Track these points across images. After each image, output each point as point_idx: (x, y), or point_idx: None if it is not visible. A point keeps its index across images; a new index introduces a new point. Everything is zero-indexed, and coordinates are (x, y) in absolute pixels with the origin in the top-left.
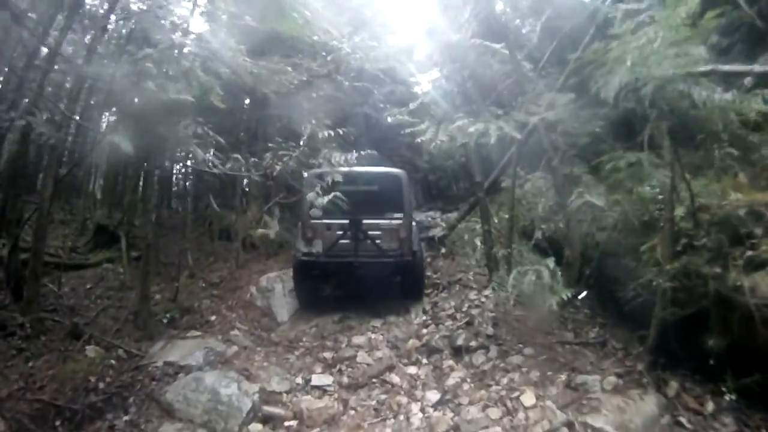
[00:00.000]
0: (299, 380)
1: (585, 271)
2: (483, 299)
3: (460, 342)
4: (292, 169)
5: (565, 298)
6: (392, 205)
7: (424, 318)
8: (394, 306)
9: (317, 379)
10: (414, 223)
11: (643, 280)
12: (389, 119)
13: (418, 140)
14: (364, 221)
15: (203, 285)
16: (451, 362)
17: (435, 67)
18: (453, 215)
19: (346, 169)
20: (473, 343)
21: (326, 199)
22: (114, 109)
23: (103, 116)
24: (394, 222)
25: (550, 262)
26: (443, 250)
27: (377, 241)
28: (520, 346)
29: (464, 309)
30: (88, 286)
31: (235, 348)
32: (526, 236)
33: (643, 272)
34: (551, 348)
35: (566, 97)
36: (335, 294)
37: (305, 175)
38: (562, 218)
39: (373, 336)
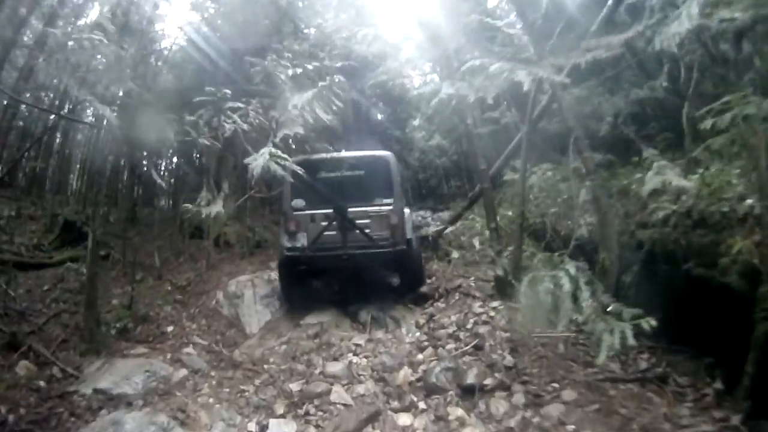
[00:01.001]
0: (252, 428)
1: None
2: (492, 313)
3: (470, 379)
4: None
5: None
6: (381, 189)
7: (419, 335)
8: (382, 316)
9: (276, 428)
10: (407, 209)
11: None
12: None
13: (408, 131)
14: (351, 209)
15: (169, 288)
16: (459, 411)
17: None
18: (445, 214)
19: (329, 154)
20: (489, 381)
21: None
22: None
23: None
24: (384, 208)
25: (571, 266)
26: (438, 252)
27: (366, 230)
28: (555, 385)
29: (469, 326)
30: (45, 288)
31: (183, 372)
32: (536, 236)
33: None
34: (598, 389)
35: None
36: (321, 294)
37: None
38: (580, 214)
39: (354, 360)
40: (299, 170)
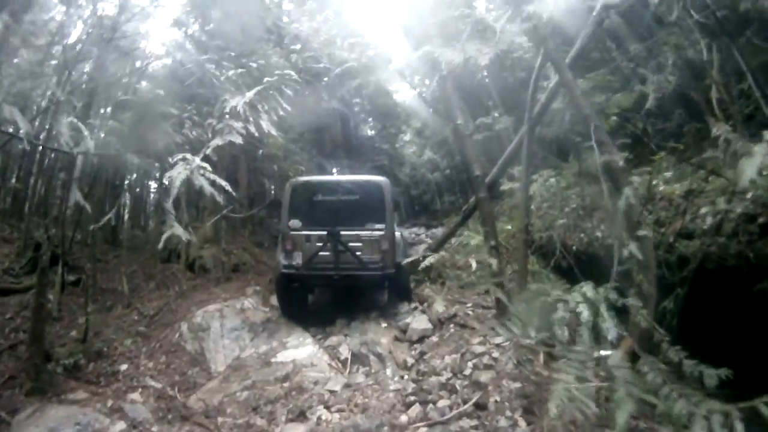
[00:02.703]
0: None
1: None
2: (495, 353)
3: None
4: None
5: None
6: (374, 215)
7: (406, 380)
8: (365, 353)
9: None
10: (399, 234)
11: None
12: (369, 130)
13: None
14: (344, 232)
15: (136, 318)
16: None
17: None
18: (438, 231)
19: (326, 177)
20: None
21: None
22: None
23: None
24: (376, 233)
25: (588, 288)
26: (431, 274)
27: (358, 253)
28: None
29: (467, 371)
30: (8, 316)
31: (120, 426)
32: (542, 253)
33: None
34: None
35: None
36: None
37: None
38: (595, 227)
39: (324, 416)
40: (297, 191)
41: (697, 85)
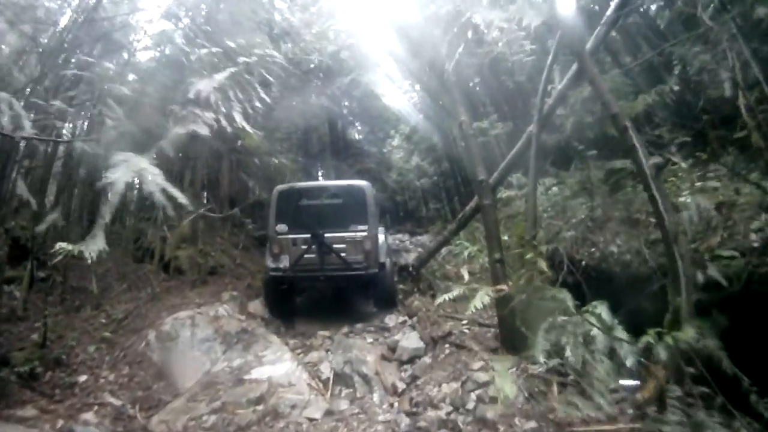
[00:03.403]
0: None
1: None
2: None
3: None
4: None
5: None
6: (357, 217)
7: (396, 409)
8: (349, 373)
9: None
10: (382, 237)
11: None
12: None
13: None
14: (328, 235)
15: (103, 321)
16: None
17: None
18: (424, 238)
19: (311, 183)
20: None
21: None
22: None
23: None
24: (359, 234)
25: (603, 309)
26: (420, 284)
27: (342, 254)
28: None
29: (470, 404)
30: None
31: None
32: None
33: None
34: None
35: None
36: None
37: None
38: (609, 240)
39: None
40: (283, 197)
41: (716, 91)
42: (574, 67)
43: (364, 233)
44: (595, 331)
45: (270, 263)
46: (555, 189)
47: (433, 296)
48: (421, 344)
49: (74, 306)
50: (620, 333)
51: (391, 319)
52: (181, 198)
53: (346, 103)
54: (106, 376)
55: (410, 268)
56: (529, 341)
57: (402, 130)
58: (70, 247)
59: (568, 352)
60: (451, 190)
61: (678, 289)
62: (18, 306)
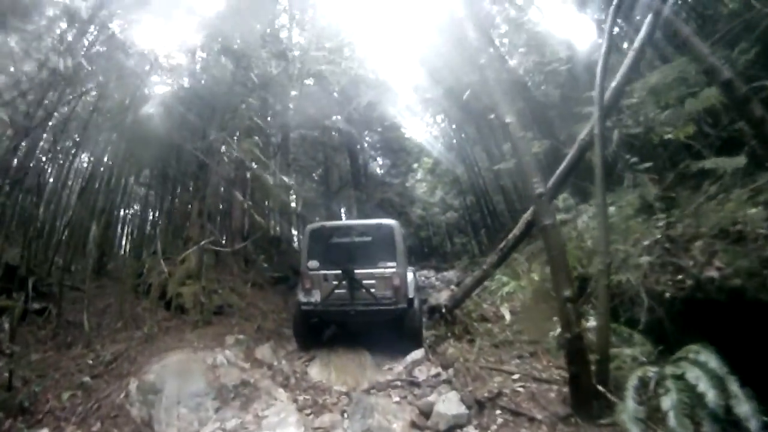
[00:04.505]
0: None
1: None
2: None
3: None
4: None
5: None
6: (385, 254)
7: None
8: None
9: None
10: (411, 274)
11: None
12: (378, 168)
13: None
14: (359, 271)
15: (90, 362)
16: None
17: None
18: (450, 273)
19: (341, 222)
20: None
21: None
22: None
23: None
24: (388, 270)
25: (709, 356)
26: (456, 327)
27: (372, 290)
28: None
29: None
30: None
31: None
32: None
33: None
34: None
35: None
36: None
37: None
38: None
39: None
40: (314, 235)
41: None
42: (632, 55)
43: (393, 269)
44: (702, 387)
45: (302, 298)
46: (612, 209)
47: (471, 341)
48: (464, 409)
49: (66, 342)
50: (736, 387)
51: (421, 372)
52: None
53: (368, 138)
54: None
55: (443, 309)
56: (616, 407)
57: (425, 163)
58: None
59: (671, 420)
60: (477, 223)
61: None
62: (4, 339)
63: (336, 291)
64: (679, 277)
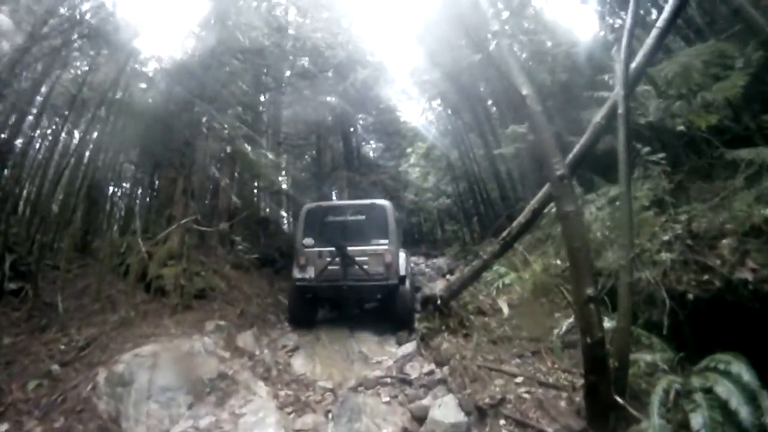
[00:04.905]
0: None
1: None
2: None
3: None
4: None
5: None
6: (378, 232)
7: None
8: None
9: None
10: (403, 254)
11: None
12: (371, 152)
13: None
14: (352, 248)
15: (62, 347)
16: None
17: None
18: (440, 260)
19: (336, 202)
20: None
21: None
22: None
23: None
24: (380, 248)
25: (739, 363)
26: (451, 321)
27: (365, 266)
28: None
29: None
30: None
31: None
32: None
33: None
34: None
35: None
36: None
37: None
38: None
39: None
40: (310, 214)
41: None
42: (656, 32)
43: (385, 247)
44: (735, 403)
45: (296, 274)
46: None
47: (467, 336)
48: (463, 416)
49: (40, 325)
50: None
51: (413, 368)
52: None
53: (362, 121)
54: (32, 429)
55: (437, 300)
56: (639, 422)
57: (419, 148)
58: None
59: None
60: (469, 210)
61: None
62: None
63: (329, 267)
64: (705, 277)
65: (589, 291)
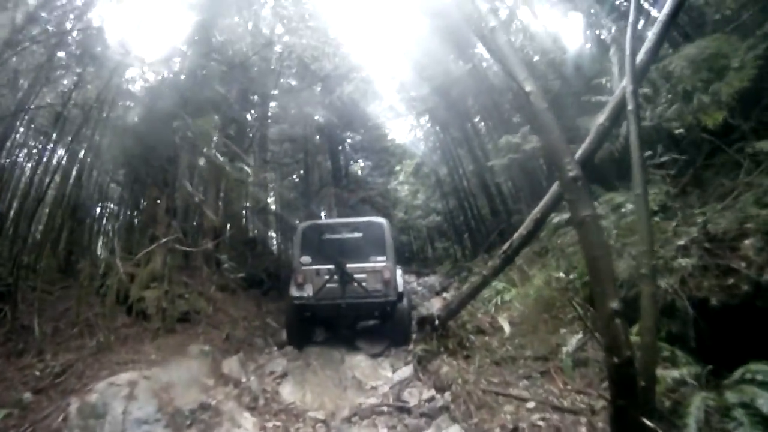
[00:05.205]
0: None
1: None
2: None
3: None
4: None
5: None
6: (376, 249)
7: None
8: None
9: None
10: (399, 270)
11: None
12: (359, 170)
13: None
14: (350, 265)
15: (37, 374)
16: None
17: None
18: (431, 278)
19: (333, 220)
20: None
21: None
22: None
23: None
24: (378, 265)
25: None
26: (449, 341)
27: (363, 284)
28: None
29: None
30: None
31: None
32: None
33: None
34: None
35: None
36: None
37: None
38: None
39: None
40: (307, 232)
41: None
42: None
43: (383, 264)
44: None
45: (294, 292)
46: (628, 207)
47: (468, 358)
48: None
49: (16, 350)
50: None
51: (412, 395)
52: None
53: (349, 139)
54: None
55: (435, 321)
56: None
57: (408, 165)
58: None
59: None
60: (460, 227)
61: None
62: None
63: (328, 285)
64: (730, 281)
65: (614, 305)
